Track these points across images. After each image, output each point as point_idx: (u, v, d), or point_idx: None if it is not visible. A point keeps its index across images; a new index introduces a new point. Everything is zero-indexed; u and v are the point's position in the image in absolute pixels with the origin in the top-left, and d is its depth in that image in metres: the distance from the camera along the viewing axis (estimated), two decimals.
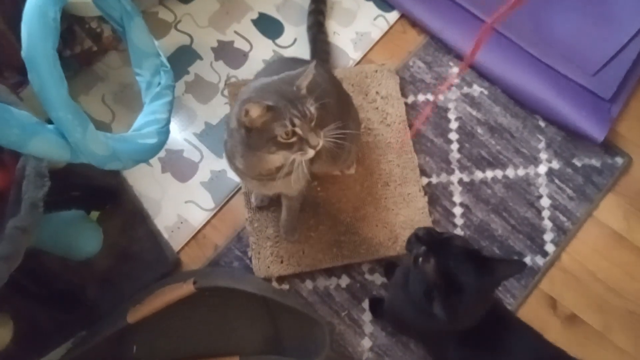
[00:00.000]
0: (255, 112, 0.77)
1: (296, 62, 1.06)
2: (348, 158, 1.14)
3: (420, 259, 0.77)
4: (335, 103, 0.98)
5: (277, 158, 0.85)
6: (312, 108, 0.81)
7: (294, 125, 0.79)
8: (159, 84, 0.96)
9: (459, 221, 1.22)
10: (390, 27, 1.38)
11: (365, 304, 1.16)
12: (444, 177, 1.25)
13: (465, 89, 1.32)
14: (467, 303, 0.75)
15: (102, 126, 1.26)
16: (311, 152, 0.83)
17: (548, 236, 1.21)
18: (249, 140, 0.82)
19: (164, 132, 0.93)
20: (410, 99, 1.31)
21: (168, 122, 0.95)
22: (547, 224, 1.22)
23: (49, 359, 1.09)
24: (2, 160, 0.89)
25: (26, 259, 0.83)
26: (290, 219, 1.14)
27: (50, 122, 0.79)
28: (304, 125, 0.80)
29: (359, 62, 1.35)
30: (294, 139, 0.81)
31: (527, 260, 1.19)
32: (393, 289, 1.02)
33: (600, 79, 1.27)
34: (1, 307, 1.03)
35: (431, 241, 0.79)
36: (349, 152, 1.10)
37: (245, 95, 0.82)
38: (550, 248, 1.20)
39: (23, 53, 0.73)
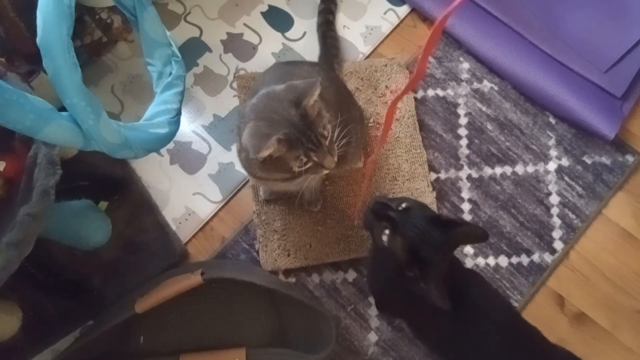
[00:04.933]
0: (267, 151, 0.77)
1: (294, 64, 1.05)
2: (354, 156, 1.14)
3: (386, 239, 0.77)
4: (334, 102, 0.98)
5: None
6: (325, 130, 0.81)
7: (309, 157, 0.80)
8: (170, 74, 0.96)
9: (467, 217, 1.22)
10: (401, 21, 1.37)
11: (372, 299, 1.16)
12: (452, 173, 1.25)
13: (476, 85, 1.32)
14: (435, 271, 0.76)
15: (111, 117, 1.24)
16: (326, 171, 0.84)
17: (557, 234, 1.21)
18: (264, 166, 0.83)
19: (175, 122, 0.93)
20: (420, 94, 1.31)
21: (179, 112, 0.95)
22: (556, 221, 1.21)
23: (56, 348, 1.09)
24: (13, 148, 0.89)
25: (34, 248, 0.84)
26: (314, 192, 1.15)
27: (61, 110, 0.79)
28: (320, 153, 0.80)
29: (368, 56, 1.35)
30: (309, 165, 0.81)
31: (536, 257, 1.19)
32: (370, 265, 1.03)
33: (612, 76, 1.26)
34: (9, 296, 1.04)
35: (391, 216, 0.77)
36: (354, 151, 1.10)
37: (252, 115, 0.81)
38: (558, 245, 1.20)
39: (38, 39, 0.73)
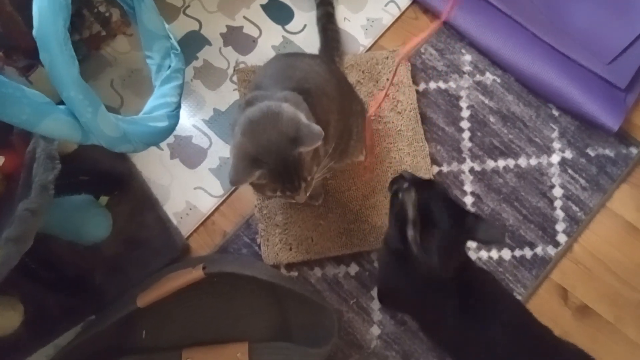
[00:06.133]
0: (250, 180, 0.79)
1: (296, 57, 1.04)
2: (355, 149, 1.14)
3: (402, 193, 0.79)
4: (335, 96, 0.97)
5: None
6: (309, 175, 0.82)
7: (284, 193, 0.82)
8: (169, 67, 0.95)
9: (469, 210, 1.21)
10: (402, 13, 1.36)
11: (374, 292, 1.15)
12: (455, 166, 1.24)
13: (478, 77, 1.30)
14: (440, 241, 0.77)
15: (110, 111, 1.23)
16: (294, 201, 0.87)
17: (560, 226, 1.20)
18: None
19: (174, 116, 0.92)
20: (422, 87, 1.29)
21: (178, 105, 0.94)
22: (560, 214, 1.21)
23: (58, 343, 1.09)
24: (11, 143, 0.89)
25: (35, 243, 0.83)
26: (315, 187, 1.15)
27: (60, 104, 0.79)
28: (295, 192, 0.83)
29: (369, 49, 1.33)
30: (282, 195, 0.84)
31: (539, 250, 1.18)
32: (381, 255, 1.04)
33: (616, 67, 1.25)
34: (11, 291, 1.03)
35: (414, 180, 0.83)
36: (355, 145, 1.10)
37: (247, 129, 0.81)
38: (562, 238, 1.19)
39: (34, 31, 0.72)
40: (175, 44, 0.98)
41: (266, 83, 0.92)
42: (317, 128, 0.78)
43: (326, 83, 0.96)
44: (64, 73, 0.72)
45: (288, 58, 1.05)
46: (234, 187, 1.22)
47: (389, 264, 0.96)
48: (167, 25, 0.99)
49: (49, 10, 0.71)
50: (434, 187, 0.83)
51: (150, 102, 0.92)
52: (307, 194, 0.86)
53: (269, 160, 0.78)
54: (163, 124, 0.89)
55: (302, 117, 0.81)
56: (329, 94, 0.95)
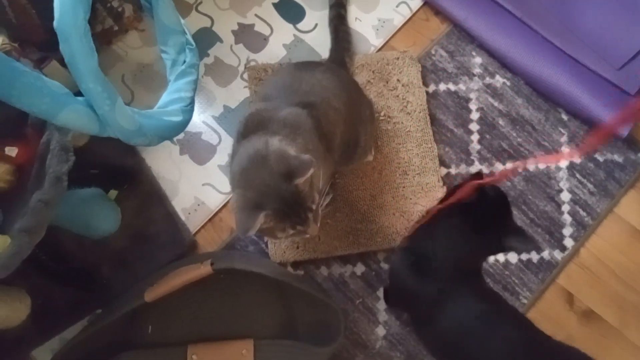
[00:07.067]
0: (255, 230, 0.78)
1: (306, 69, 1.03)
2: (364, 153, 1.14)
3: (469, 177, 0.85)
4: (342, 109, 0.97)
5: None
6: (313, 204, 0.82)
7: (295, 229, 0.81)
8: (184, 62, 0.95)
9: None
10: (413, 14, 1.36)
11: (380, 293, 1.15)
12: (463, 168, 1.24)
13: (488, 80, 1.31)
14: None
15: None
16: (308, 235, 0.86)
17: (567, 231, 1.20)
18: None
19: (189, 111, 0.93)
20: (432, 88, 1.30)
21: (192, 101, 0.94)
22: (567, 218, 1.21)
23: (64, 337, 1.09)
24: (25, 134, 0.89)
25: (45, 235, 0.83)
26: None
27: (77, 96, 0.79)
28: (305, 224, 0.82)
29: (380, 49, 1.33)
30: (293, 232, 0.83)
31: (545, 254, 1.18)
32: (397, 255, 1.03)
33: (626, 73, 1.25)
34: (19, 283, 1.04)
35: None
36: (362, 151, 1.11)
37: (242, 182, 0.81)
38: (569, 243, 1.19)
39: (55, 23, 0.72)
40: (191, 39, 0.98)
41: (273, 95, 0.93)
42: (306, 157, 0.77)
43: (333, 97, 0.96)
44: (83, 65, 0.73)
45: (298, 70, 1.03)
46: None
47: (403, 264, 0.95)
48: (182, 21, 0.99)
49: (70, 2, 0.71)
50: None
51: (165, 97, 0.93)
52: (318, 224, 0.85)
53: (269, 202, 0.78)
54: (177, 118, 0.90)
55: (290, 150, 0.80)
56: (336, 107, 0.95)
